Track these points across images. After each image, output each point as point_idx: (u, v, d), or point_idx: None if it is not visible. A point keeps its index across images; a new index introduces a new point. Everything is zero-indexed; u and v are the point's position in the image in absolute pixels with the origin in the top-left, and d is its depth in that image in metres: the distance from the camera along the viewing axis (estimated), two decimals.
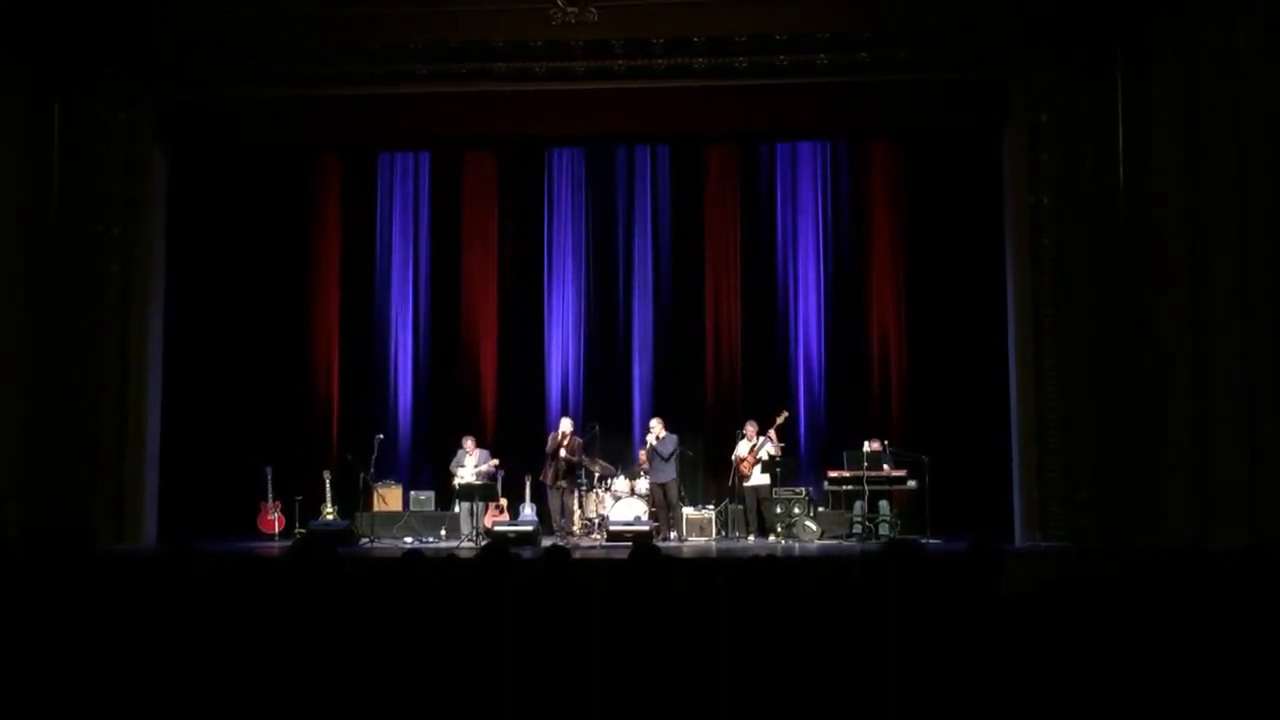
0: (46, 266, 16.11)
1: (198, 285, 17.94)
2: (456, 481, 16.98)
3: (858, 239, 18.41)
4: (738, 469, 16.98)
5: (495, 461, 17.17)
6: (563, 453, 16.68)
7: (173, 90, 16.79)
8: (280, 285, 18.62)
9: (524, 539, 15.57)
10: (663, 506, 16.82)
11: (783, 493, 16.79)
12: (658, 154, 18.87)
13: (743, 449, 17.00)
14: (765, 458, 16.82)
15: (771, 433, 16.88)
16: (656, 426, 16.94)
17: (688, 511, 17.14)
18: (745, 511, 17.01)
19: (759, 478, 16.84)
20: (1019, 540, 15.61)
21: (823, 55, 15.98)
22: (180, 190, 17.54)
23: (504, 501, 17.24)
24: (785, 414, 17.21)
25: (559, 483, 16.78)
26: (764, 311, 18.54)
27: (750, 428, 17.03)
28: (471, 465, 16.98)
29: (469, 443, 17.18)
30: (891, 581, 5.99)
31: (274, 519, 17.36)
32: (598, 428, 17.49)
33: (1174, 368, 14.13)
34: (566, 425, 16.96)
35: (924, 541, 15.38)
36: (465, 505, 16.73)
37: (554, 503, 16.87)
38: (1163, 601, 5.88)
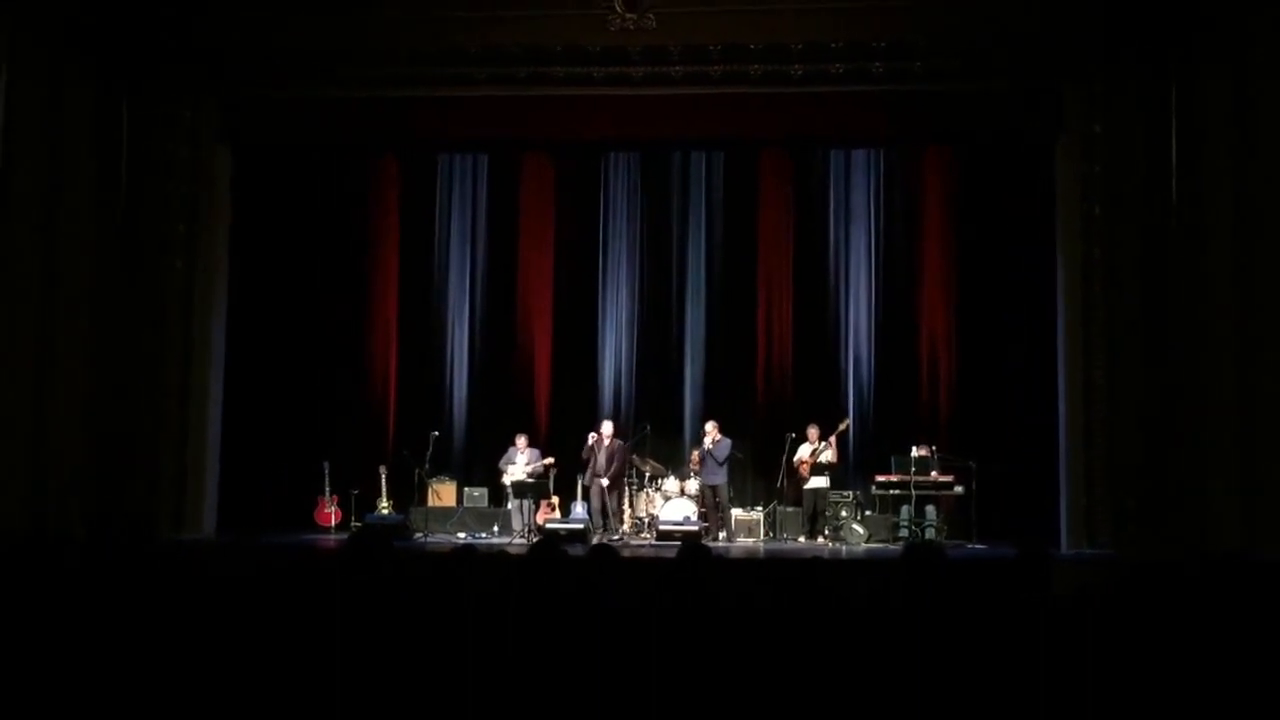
0: (113, 262, 16.27)
1: (260, 282, 18.09)
2: (505, 479, 17.05)
3: (909, 246, 18.34)
4: (797, 471, 16.98)
5: (549, 460, 17.19)
6: (600, 456, 16.73)
7: (237, 90, 16.95)
8: (340, 284, 18.72)
9: (575, 536, 15.66)
10: (712, 507, 16.82)
11: (831, 496, 16.79)
12: (712, 160, 18.84)
13: (804, 451, 17.01)
14: (824, 462, 16.85)
15: (833, 438, 16.94)
16: (712, 430, 16.91)
17: (737, 513, 17.17)
18: (804, 514, 17.00)
19: (817, 480, 16.86)
20: (1065, 548, 15.53)
21: (877, 64, 15.95)
22: (244, 189, 17.71)
23: (556, 499, 17.28)
24: (848, 422, 17.33)
25: (599, 481, 16.76)
26: (815, 316, 18.51)
27: (813, 431, 17.04)
28: (522, 463, 17.02)
29: (521, 441, 17.24)
30: (909, 585, 6.02)
31: (331, 512, 17.44)
32: (649, 428, 17.53)
33: (1222, 377, 14.03)
34: (608, 427, 17.05)
35: (970, 547, 15.55)
36: (517, 502, 16.78)
37: (595, 502, 16.88)
38: (1208, 610, 5.83)
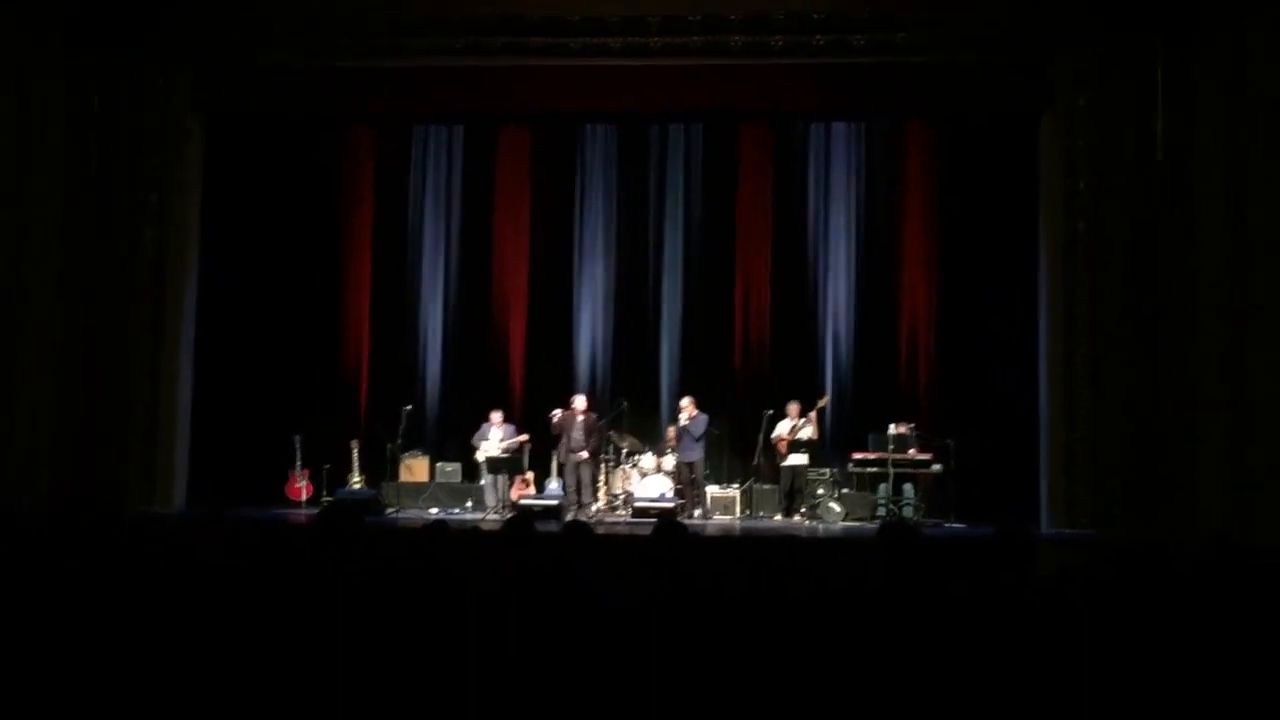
0: (83, 232, 16.10)
1: (231, 254, 17.93)
2: (479, 455, 16.95)
3: (890, 221, 18.23)
4: (775, 447, 16.91)
5: (525, 437, 17.11)
6: (574, 430, 16.51)
7: (209, 58, 16.77)
8: (312, 256, 18.58)
9: (549, 513, 15.65)
10: (689, 484, 16.77)
11: (809, 474, 16.75)
12: (691, 132, 18.71)
13: (783, 428, 16.94)
14: (803, 439, 16.77)
15: (812, 415, 16.88)
16: (688, 406, 16.82)
17: (712, 489, 17.12)
18: (780, 491, 16.93)
19: (796, 457, 16.77)
20: (1045, 528, 15.49)
21: (859, 36, 15.81)
22: (216, 160, 17.55)
23: (530, 475, 17.22)
24: (826, 398, 17.33)
25: (572, 457, 16.52)
26: (794, 292, 18.41)
27: (793, 407, 16.97)
28: (496, 439, 16.92)
29: (496, 417, 17.14)
30: (886, 564, 6.06)
31: (302, 487, 17.37)
32: (625, 404, 17.44)
33: (1210, 355, 13.94)
34: (580, 402, 16.81)
35: (948, 526, 15.54)
36: (491, 478, 16.70)
37: (570, 478, 16.65)
38: (1197, 593, 5.77)
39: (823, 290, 18.44)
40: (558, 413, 16.70)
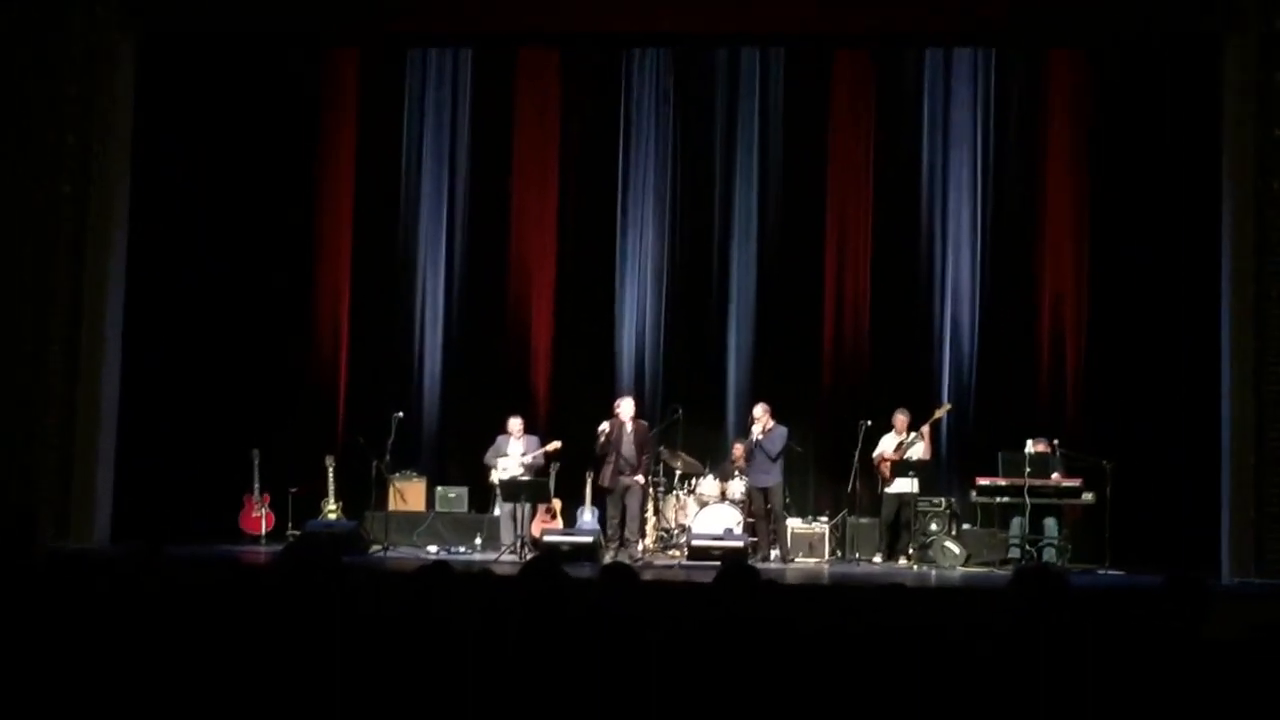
0: None
1: (171, 216, 17.95)
2: (495, 476, 16.98)
3: (1028, 177, 18.23)
4: (876, 469, 16.94)
5: (554, 446, 17.11)
6: (625, 445, 16.42)
7: None
8: (276, 217, 18.64)
9: (581, 553, 15.68)
10: (763, 517, 16.75)
11: (919, 504, 16.74)
12: (769, 60, 18.74)
13: (887, 444, 16.97)
14: (913, 459, 16.78)
15: (925, 429, 16.92)
16: (762, 415, 16.74)
17: (794, 524, 17.11)
18: (881, 524, 16.97)
19: (902, 482, 16.77)
20: (1226, 576, 15.40)
21: None
22: (151, 94, 17.52)
23: (558, 504, 17.23)
24: (948, 407, 17.35)
25: (621, 480, 16.43)
26: (902, 268, 18.46)
27: (900, 418, 16.99)
28: (517, 455, 16.96)
29: (515, 425, 17.16)
30: (1020, 622, 5.99)
31: (260, 516, 17.44)
32: (680, 412, 17.41)
33: None
34: (627, 408, 16.70)
35: (1102, 572, 15.48)
36: (508, 507, 16.69)
37: (613, 507, 16.56)
38: None
39: (939, 264, 18.48)
40: (606, 425, 16.56)
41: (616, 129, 18.89)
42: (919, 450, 16.84)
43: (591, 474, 17.06)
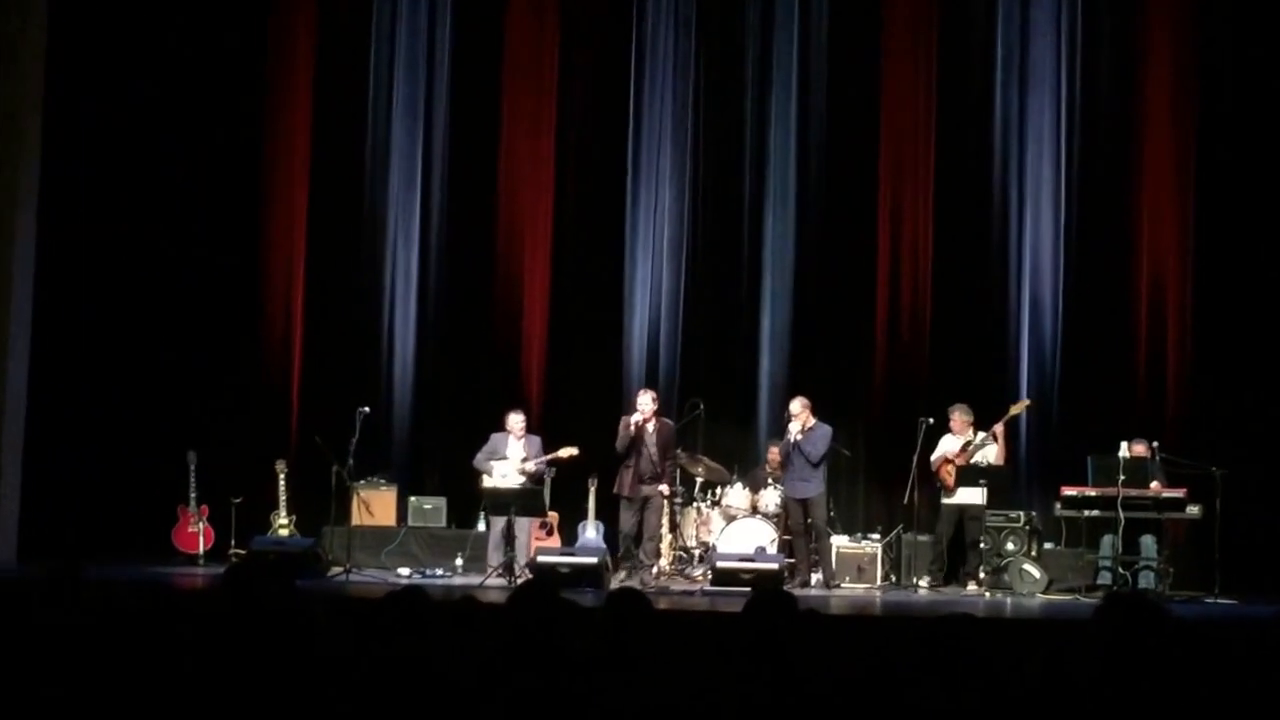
0: None
1: (90, 171, 17.99)
2: (487, 483, 16.97)
3: (1123, 123, 18.18)
4: (938, 475, 16.94)
5: (567, 453, 16.95)
6: (647, 447, 16.42)
7: None
8: (216, 177, 18.65)
9: (584, 576, 15.64)
10: (802, 534, 16.76)
11: (989, 518, 16.72)
12: None
13: (950, 446, 16.95)
14: (983, 464, 16.78)
15: (999, 428, 16.84)
16: (801, 412, 16.64)
17: (840, 543, 17.15)
18: (940, 541, 16.96)
19: (969, 492, 16.74)
20: None
21: None
22: (65, 24, 17.55)
23: (555, 517, 17.30)
24: (1027, 403, 17.31)
25: (641, 489, 16.40)
26: (969, 236, 18.47)
27: (960, 417, 16.95)
28: (517, 458, 16.91)
29: (516, 422, 17.03)
30: (1111, 659, 5.94)
31: (198, 532, 17.48)
32: (701, 408, 17.48)
33: None
34: (647, 402, 16.56)
35: (1210, 601, 15.45)
36: (499, 522, 16.63)
37: (626, 522, 16.54)
38: None
39: (1014, 232, 18.47)
40: (632, 420, 16.39)
41: (627, 66, 18.97)
42: (991, 454, 16.81)
43: (594, 481, 17.15)
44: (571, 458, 16.96)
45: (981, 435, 16.83)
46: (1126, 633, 5.99)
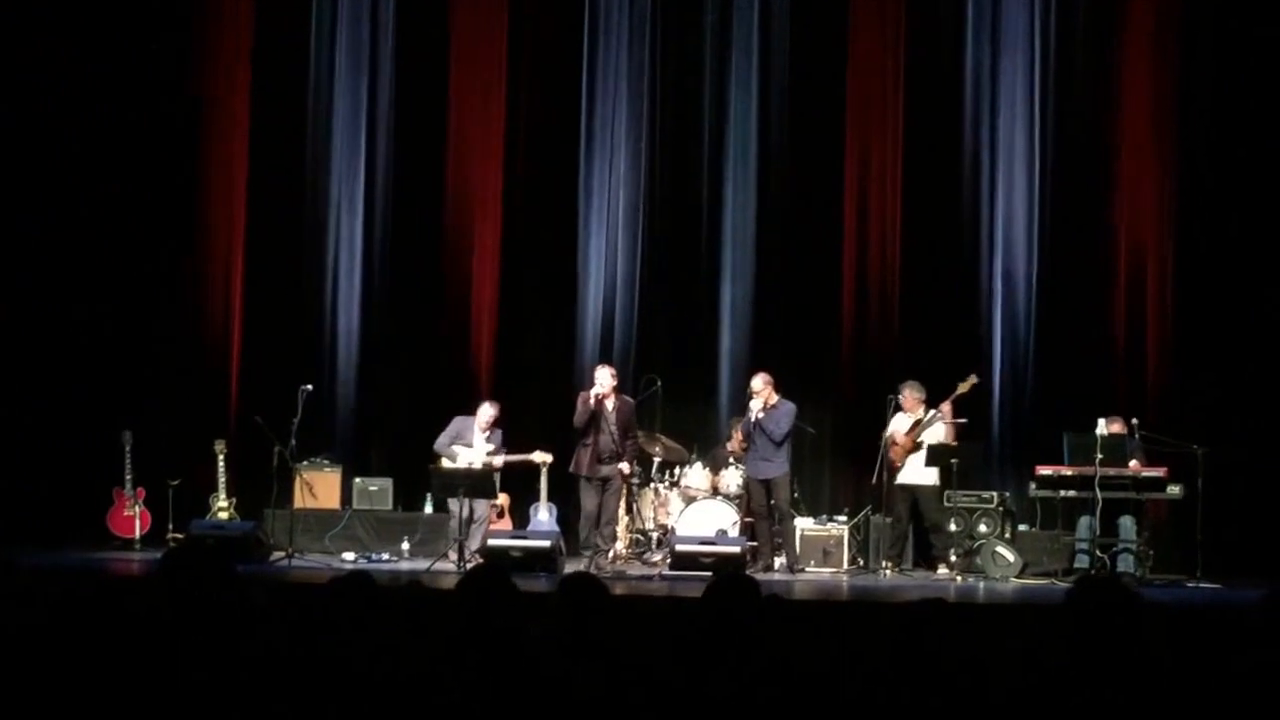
0: None
1: (19, 133, 17.88)
2: (446, 465, 16.84)
3: (1099, 85, 18.12)
4: (886, 454, 16.79)
5: (547, 456, 16.92)
6: (607, 424, 16.16)
7: None
8: (151, 142, 18.51)
9: (536, 560, 15.57)
10: (765, 516, 16.60)
11: (961, 499, 16.69)
12: None
13: (900, 424, 16.84)
14: (933, 442, 16.62)
15: (946, 405, 16.76)
16: (763, 388, 16.50)
17: (804, 525, 17.05)
18: (899, 522, 16.83)
19: (918, 471, 16.66)
20: None
21: None
22: None
23: (505, 499, 17.23)
24: (974, 379, 17.07)
25: (600, 469, 16.20)
26: (940, 204, 18.39)
27: (911, 393, 16.83)
28: (483, 449, 16.86)
29: (488, 414, 16.92)
30: (1082, 646, 5.84)
31: (134, 515, 17.43)
32: (659, 384, 17.50)
33: None
34: (606, 378, 16.29)
35: (1191, 585, 15.45)
36: (455, 505, 16.41)
37: (588, 503, 16.32)
38: None
39: (986, 198, 18.40)
40: (591, 394, 16.12)
41: (580, 21, 18.90)
42: (939, 433, 16.75)
43: (545, 461, 16.97)
44: (545, 464, 16.98)
45: (931, 413, 16.77)
46: (1098, 618, 5.95)
